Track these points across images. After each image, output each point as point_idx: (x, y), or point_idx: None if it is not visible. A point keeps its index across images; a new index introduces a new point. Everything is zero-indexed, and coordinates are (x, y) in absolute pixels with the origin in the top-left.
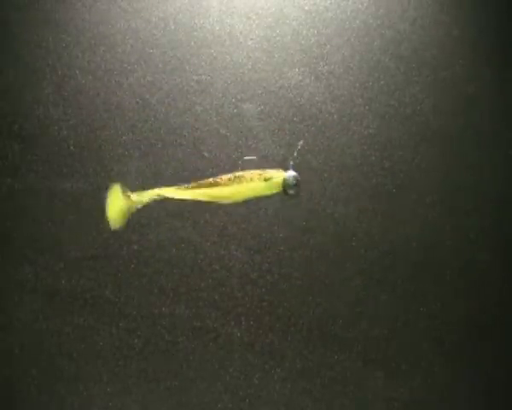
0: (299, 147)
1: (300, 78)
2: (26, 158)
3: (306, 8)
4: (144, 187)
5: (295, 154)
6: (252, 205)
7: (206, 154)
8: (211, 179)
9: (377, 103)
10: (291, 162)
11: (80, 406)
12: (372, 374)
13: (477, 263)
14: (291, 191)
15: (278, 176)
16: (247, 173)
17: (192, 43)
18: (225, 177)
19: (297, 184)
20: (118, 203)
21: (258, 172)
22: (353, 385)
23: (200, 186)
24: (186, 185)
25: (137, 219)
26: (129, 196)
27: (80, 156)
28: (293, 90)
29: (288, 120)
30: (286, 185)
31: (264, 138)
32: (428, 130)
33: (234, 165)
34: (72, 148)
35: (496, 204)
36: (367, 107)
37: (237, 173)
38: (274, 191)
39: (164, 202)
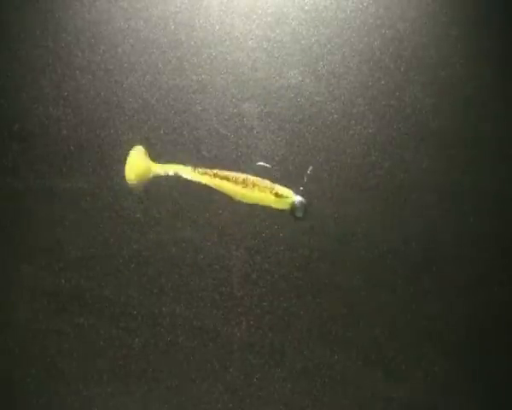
0: (309, 172)
1: (300, 78)
2: (26, 158)
3: (306, 8)
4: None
5: (305, 179)
6: (252, 205)
7: (206, 154)
8: (227, 173)
9: (377, 103)
10: (301, 188)
11: (80, 406)
12: (372, 374)
13: (477, 263)
14: (298, 214)
15: (287, 196)
16: (260, 182)
17: (192, 43)
18: (240, 177)
19: (304, 209)
20: (138, 164)
21: (269, 183)
22: (353, 385)
23: (216, 176)
24: (204, 170)
25: (137, 218)
26: (149, 162)
27: (80, 156)
28: (293, 90)
29: (288, 120)
30: (293, 209)
31: (264, 138)
32: (428, 130)
33: (234, 164)
34: (72, 147)
35: (496, 204)
36: (367, 107)
37: (251, 178)
38: (281, 208)
39: (163, 201)
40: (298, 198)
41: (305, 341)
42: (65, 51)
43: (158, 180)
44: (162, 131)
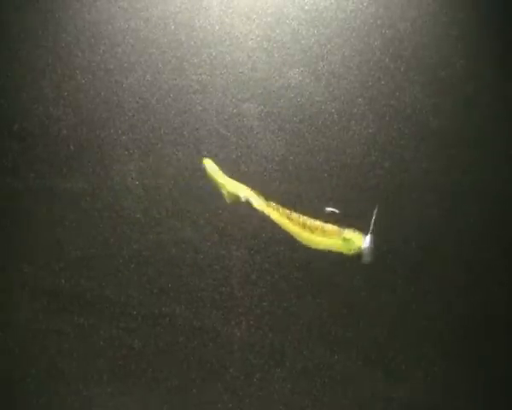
0: (375, 216)
1: (300, 78)
2: (26, 158)
3: (306, 8)
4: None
5: (372, 225)
6: (251, 206)
7: (206, 154)
8: (297, 217)
9: (377, 103)
10: (369, 234)
11: (80, 406)
12: (372, 374)
13: (477, 263)
14: (365, 260)
15: (356, 240)
16: (330, 228)
17: (192, 43)
18: (311, 223)
19: (371, 255)
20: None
21: (337, 228)
22: (353, 385)
23: (285, 215)
24: (277, 206)
25: (137, 218)
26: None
27: (80, 156)
28: (293, 90)
29: (288, 120)
30: (362, 254)
31: (264, 138)
32: (428, 130)
33: (234, 164)
34: (72, 148)
35: (496, 204)
36: (367, 107)
37: (321, 225)
38: (348, 252)
39: (163, 201)
40: (366, 244)
41: (305, 341)
42: (65, 51)
43: (158, 180)
44: (162, 132)
